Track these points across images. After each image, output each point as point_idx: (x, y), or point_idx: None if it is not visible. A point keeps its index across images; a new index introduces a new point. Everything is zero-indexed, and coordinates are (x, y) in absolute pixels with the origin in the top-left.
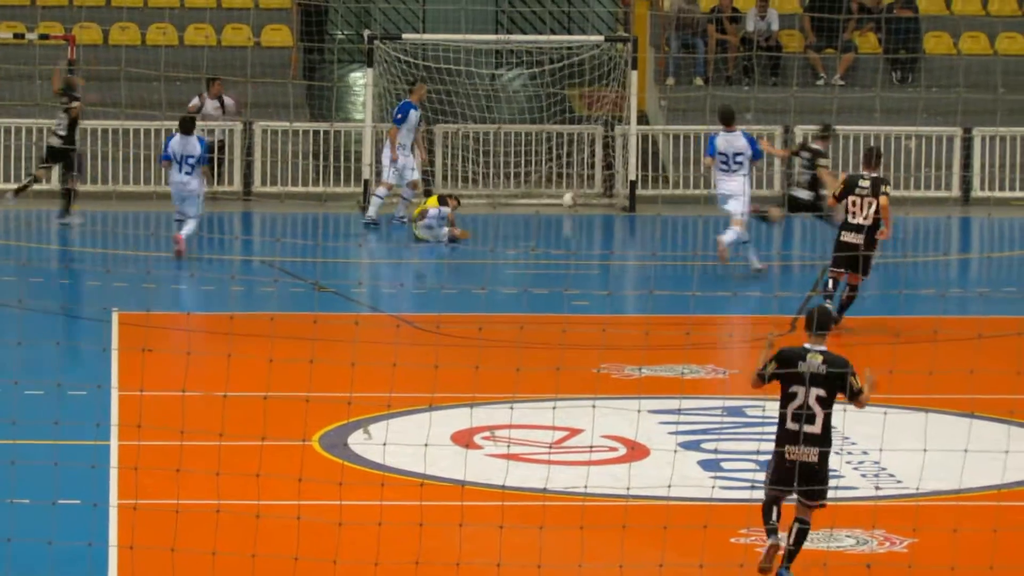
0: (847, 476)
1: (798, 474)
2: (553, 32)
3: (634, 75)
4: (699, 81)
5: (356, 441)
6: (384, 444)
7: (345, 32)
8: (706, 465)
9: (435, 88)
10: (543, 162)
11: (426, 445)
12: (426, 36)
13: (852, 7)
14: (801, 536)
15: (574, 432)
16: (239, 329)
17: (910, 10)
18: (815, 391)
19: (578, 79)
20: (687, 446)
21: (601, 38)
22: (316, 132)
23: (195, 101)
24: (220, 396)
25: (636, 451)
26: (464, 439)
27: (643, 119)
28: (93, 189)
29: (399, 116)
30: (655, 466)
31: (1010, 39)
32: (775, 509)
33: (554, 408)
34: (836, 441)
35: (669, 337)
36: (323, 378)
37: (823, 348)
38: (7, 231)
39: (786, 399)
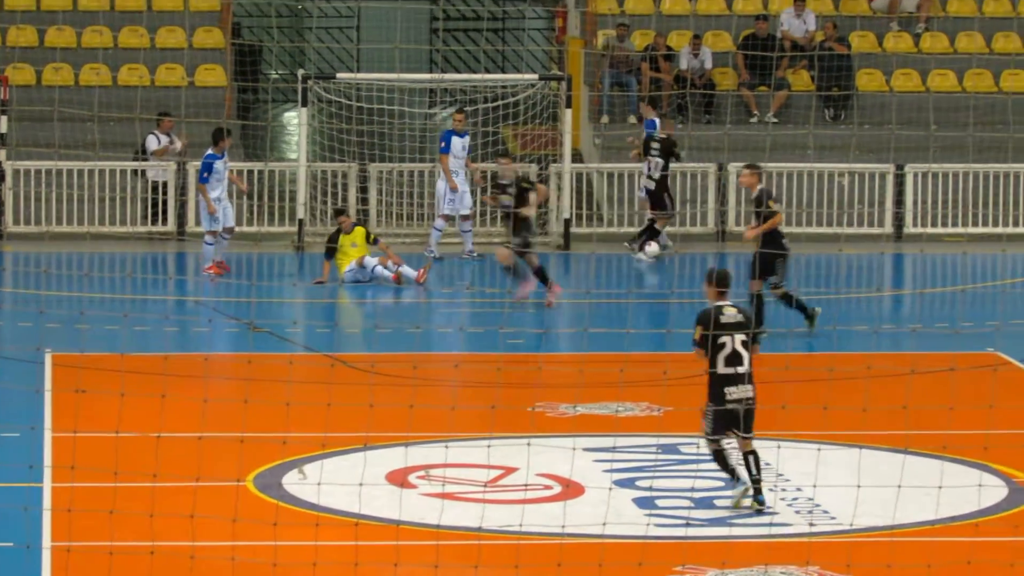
0: (781, 513)
1: (737, 411)
2: (487, 71)
3: (568, 113)
4: (633, 119)
5: (290, 481)
6: (319, 484)
7: (279, 72)
8: (641, 503)
9: (369, 128)
10: (477, 201)
11: (361, 485)
12: (360, 75)
13: (785, 45)
14: (759, 462)
15: (509, 471)
16: (173, 369)
17: (843, 47)
18: (738, 337)
19: (512, 118)
20: (622, 484)
21: (535, 77)
22: (250, 172)
23: (162, 141)
24: (154, 437)
25: (571, 489)
26: (399, 478)
27: (577, 157)
28: (27, 230)
29: (443, 144)
30: (590, 504)
31: (942, 76)
32: (724, 455)
33: (489, 447)
34: (769, 479)
35: (604, 375)
36: (257, 418)
37: (730, 302)
38: None
39: (716, 349)
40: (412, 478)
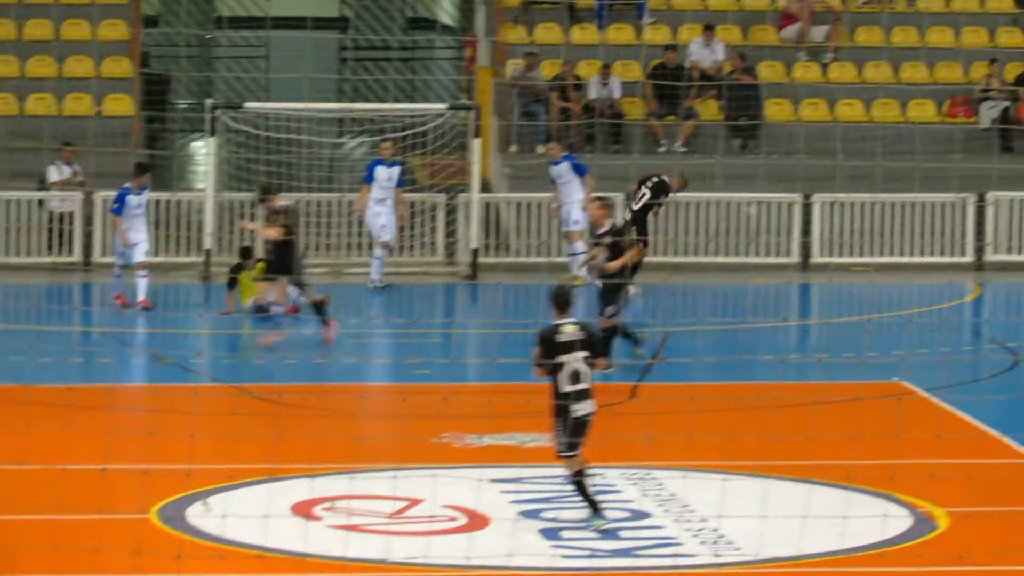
0: (686, 544)
1: (579, 425)
2: (396, 101)
3: (477, 143)
4: (541, 149)
5: (194, 513)
6: (223, 516)
7: (187, 101)
8: (547, 534)
9: (277, 158)
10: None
11: (265, 517)
12: (268, 105)
13: (693, 75)
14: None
15: (414, 502)
16: (79, 401)
17: (751, 77)
18: (580, 354)
19: (421, 147)
20: (528, 515)
21: (444, 106)
22: (158, 202)
23: (63, 171)
24: (58, 469)
25: (476, 521)
26: (304, 510)
27: (486, 187)
28: None
29: (366, 174)
30: (496, 535)
31: (849, 105)
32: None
33: (394, 478)
34: (675, 509)
35: (510, 405)
36: (162, 450)
37: (572, 320)
38: None
39: (559, 368)
40: (317, 510)
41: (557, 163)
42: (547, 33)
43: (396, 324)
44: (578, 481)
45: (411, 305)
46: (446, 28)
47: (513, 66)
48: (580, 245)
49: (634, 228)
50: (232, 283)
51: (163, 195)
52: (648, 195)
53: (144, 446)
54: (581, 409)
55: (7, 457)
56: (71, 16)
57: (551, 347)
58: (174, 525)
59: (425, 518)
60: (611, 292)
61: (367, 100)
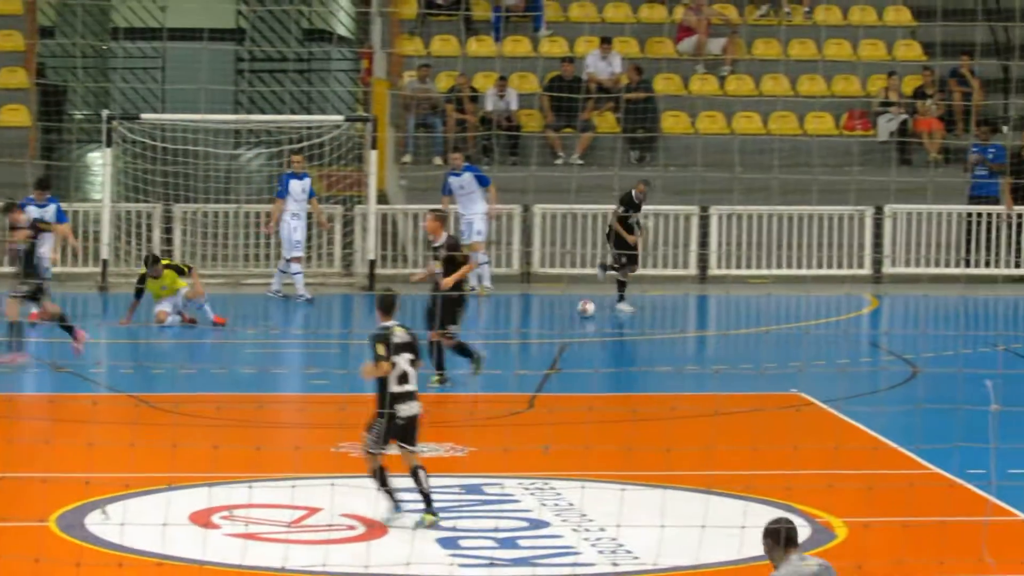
0: (584, 552)
1: (409, 426)
2: (293, 112)
3: (373, 154)
4: (438, 160)
5: (93, 521)
6: (122, 524)
7: (84, 112)
8: (445, 543)
9: (173, 169)
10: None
11: (164, 525)
12: (164, 116)
13: (590, 87)
14: (427, 476)
15: (313, 511)
16: None
17: (646, 91)
18: (407, 356)
19: (318, 159)
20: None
21: (341, 118)
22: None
23: None
24: None
25: (375, 529)
26: (203, 519)
27: (383, 198)
28: None
29: (279, 188)
30: (394, 544)
31: (747, 118)
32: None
33: (293, 487)
34: (573, 519)
35: None
36: (60, 458)
37: (398, 323)
38: None
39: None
40: (216, 518)
41: (459, 174)
42: (444, 45)
43: (294, 335)
44: (380, 469)
45: (309, 316)
46: (342, 39)
47: (409, 78)
48: (483, 255)
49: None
50: (138, 293)
51: (60, 205)
52: (621, 208)
53: (42, 454)
54: (408, 409)
55: None
56: None
57: (394, 345)
58: (73, 533)
59: (324, 527)
60: (449, 307)
61: (264, 111)
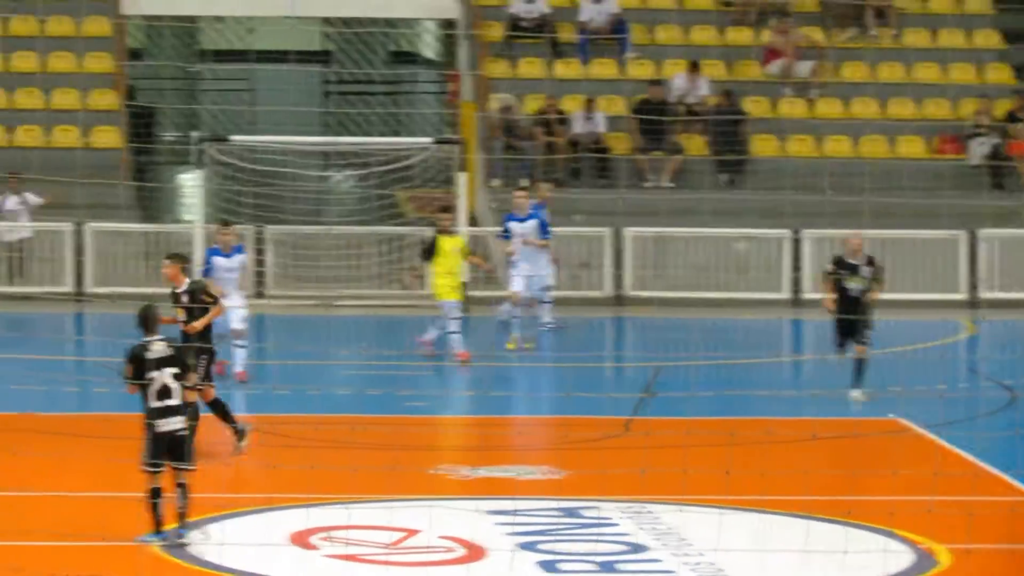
0: None
1: (170, 444)
2: (380, 134)
3: (463, 177)
4: (525, 182)
5: (193, 541)
6: (221, 544)
7: (173, 134)
8: (545, 566)
9: (264, 191)
10: (376, 263)
11: (264, 545)
12: (254, 138)
13: (679, 110)
14: (187, 493)
15: (411, 533)
16: (75, 429)
17: (736, 114)
18: (169, 371)
19: (406, 181)
20: (525, 547)
21: (430, 140)
22: (146, 233)
23: (7, 202)
24: (60, 496)
25: (474, 552)
26: (302, 540)
27: (473, 221)
28: None
29: (504, 232)
30: (493, 567)
31: (836, 141)
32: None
33: (391, 508)
34: (672, 543)
35: (505, 438)
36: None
37: (161, 337)
38: None
39: (145, 385)
40: (315, 539)
41: (522, 218)
42: (530, 68)
43: (388, 356)
44: (153, 500)
45: (400, 338)
46: (429, 62)
47: (498, 100)
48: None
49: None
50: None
51: (152, 227)
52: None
53: (135, 475)
54: (166, 425)
55: (8, 483)
56: (56, 49)
57: (140, 364)
58: (173, 553)
59: (423, 548)
60: (192, 355)
61: (351, 133)
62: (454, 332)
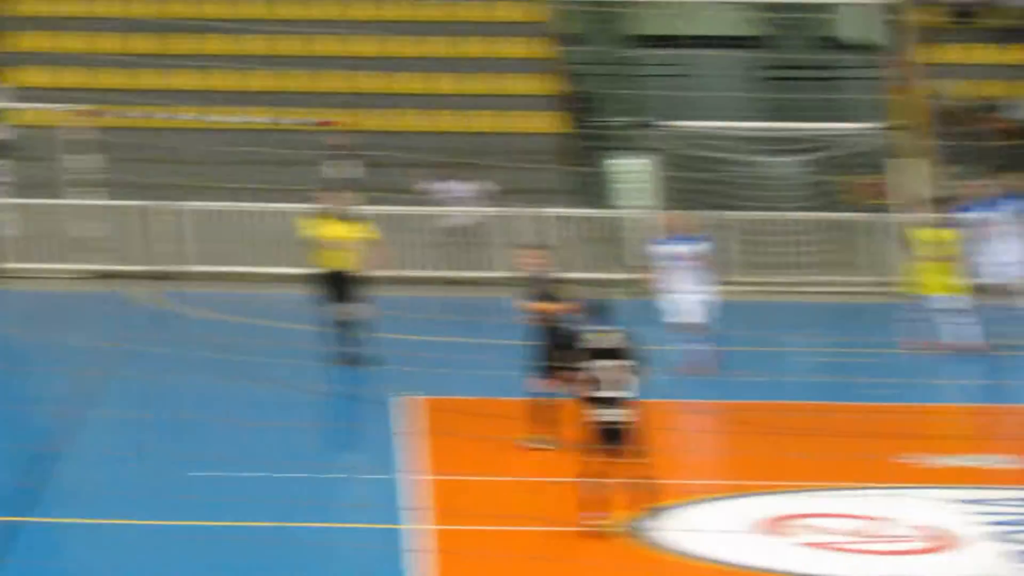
0: None
1: (613, 434)
2: (814, 120)
3: (903, 163)
4: (978, 172)
5: (654, 527)
6: (685, 531)
7: (614, 119)
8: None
9: (707, 176)
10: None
11: (730, 532)
12: (700, 123)
13: None
14: (646, 482)
15: (880, 521)
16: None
17: None
18: (611, 362)
19: (841, 167)
20: (996, 537)
21: (875, 125)
22: (589, 219)
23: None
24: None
25: (946, 541)
26: (770, 527)
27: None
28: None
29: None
30: (968, 557)
31: None
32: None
33: (860, 497)
34: None
35: (969, 426)
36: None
37: (609, 328)
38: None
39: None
40: (782, 527)
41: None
42: (969, 54)
43: (850, 344)
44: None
45: (861, 326)
46: (863, 47)
47: (937, 87)
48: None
49: None
50: None
51: (589, 212)
52: None
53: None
54: (608, 416)
55: (474, 469)
56: (491, 34)
57: (587, 353)
58: (640, 540)
59: (894, 537)
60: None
61: (783, 119)
62: (964, 324)
